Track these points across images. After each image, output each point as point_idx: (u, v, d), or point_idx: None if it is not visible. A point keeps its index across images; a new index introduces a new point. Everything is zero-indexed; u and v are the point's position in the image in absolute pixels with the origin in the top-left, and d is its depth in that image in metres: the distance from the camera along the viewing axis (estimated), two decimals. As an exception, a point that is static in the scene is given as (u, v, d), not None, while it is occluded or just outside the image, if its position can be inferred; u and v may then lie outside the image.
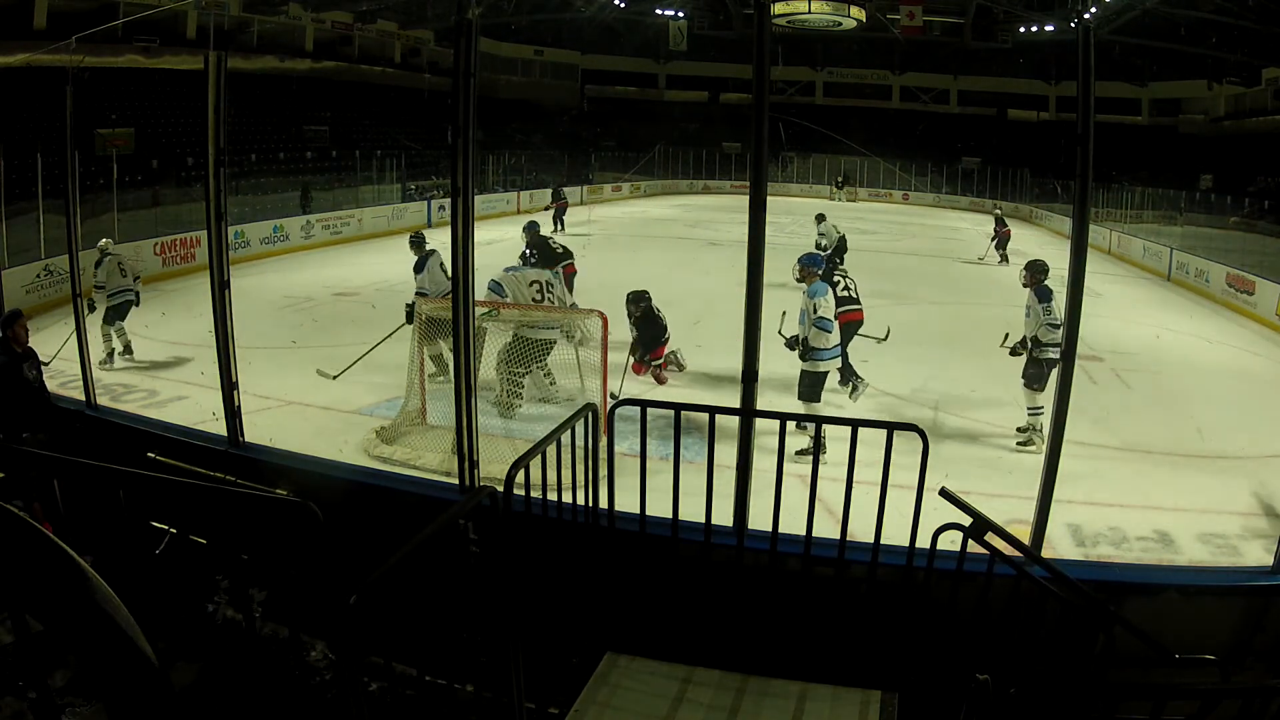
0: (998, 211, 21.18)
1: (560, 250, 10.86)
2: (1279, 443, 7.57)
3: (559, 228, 21.42)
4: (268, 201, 19.75)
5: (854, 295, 8.39)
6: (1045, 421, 6.52)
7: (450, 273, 8.66)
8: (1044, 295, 7.29)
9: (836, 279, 8.28)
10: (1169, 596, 3.64)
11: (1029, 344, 7.29)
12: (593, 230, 21.69)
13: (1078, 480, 6.02)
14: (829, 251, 14.07)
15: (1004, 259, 18.60)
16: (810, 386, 7.00)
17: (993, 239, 19.08)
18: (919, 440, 3.33)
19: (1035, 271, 7.47)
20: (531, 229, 11.26)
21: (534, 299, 7.71)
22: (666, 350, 8.90)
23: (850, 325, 8.23)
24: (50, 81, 9.83)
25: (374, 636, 2.51)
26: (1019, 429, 7.27)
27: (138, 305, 9.58)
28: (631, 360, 8.74)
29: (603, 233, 22.09)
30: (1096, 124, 3.59)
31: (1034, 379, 7.19)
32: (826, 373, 7.09)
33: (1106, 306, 13.74)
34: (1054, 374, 4.19)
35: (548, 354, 7.45)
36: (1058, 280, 5.28)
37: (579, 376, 7.31)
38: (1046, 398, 6.79)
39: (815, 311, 6.91)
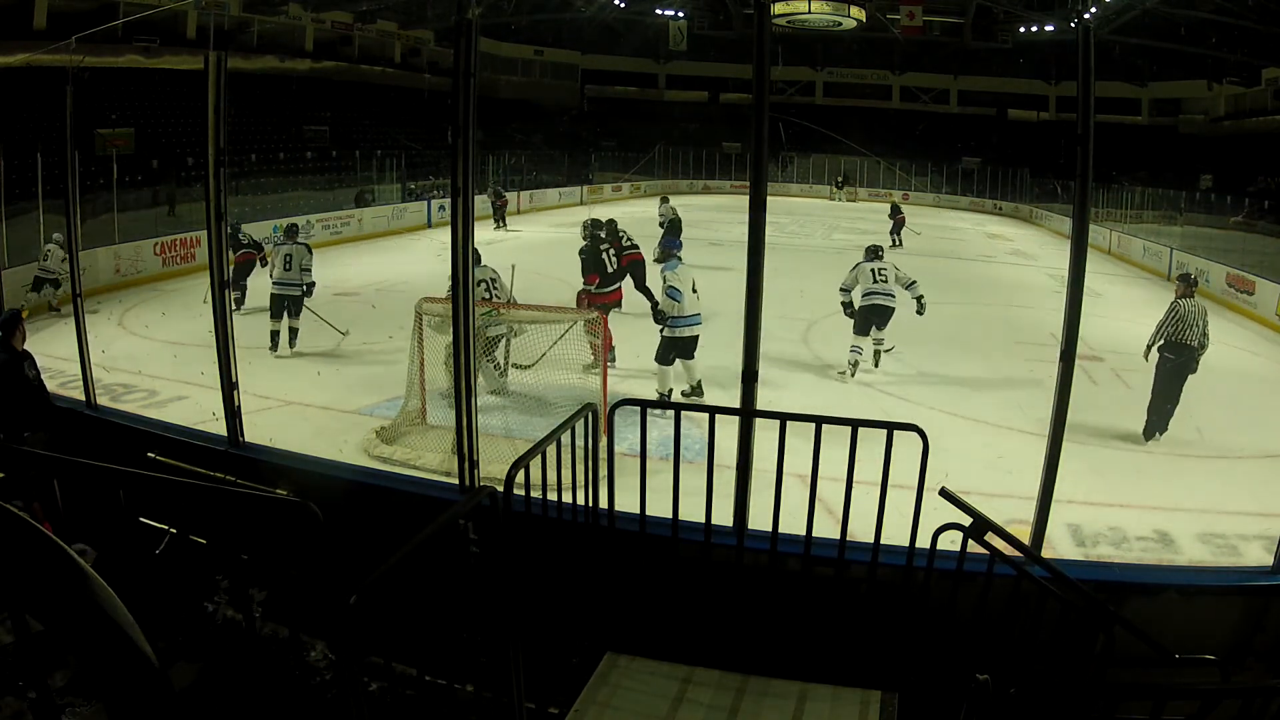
0: (893, 200, 22.95)
1: (248, 242, 12.47)
2: (1279, 443, 7.57)
3: (500, 224, 21.72)
4: (268, 201, 19.74)
5: (633, 242, 10.11)
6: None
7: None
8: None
9: (622, 233, 9.83)
10: (1169, 596, 3.64)
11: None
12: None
13: (1078, 480, 6.02)
14: (665, 228, 15.55)
15: (897, 243, 20.19)
16: (665, 351, 7.80)
17: (892, 227, 20.52)
18: (919, 440, 3.33)
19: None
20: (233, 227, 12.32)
21: (483, 297, 7.94)
22: (608, 301, 9.18)
23: (634, 264, 9.97)
24: (50, 81, 9.82)
25: (374, 636, 2.50)
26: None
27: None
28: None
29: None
30: (1096, 124, 3.58)
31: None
32: (683, 339, 7.73)
33: (1106, 306, 13.73)
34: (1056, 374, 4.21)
35: (495, 349, 7.74)
36: (1058, 280, 5.28)
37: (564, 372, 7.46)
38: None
39: (665, 282, 7.85)
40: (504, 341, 7.85)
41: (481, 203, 23.88)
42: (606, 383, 7.15)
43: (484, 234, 19.75)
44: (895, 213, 21.38)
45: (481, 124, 4.11)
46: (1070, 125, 3.57)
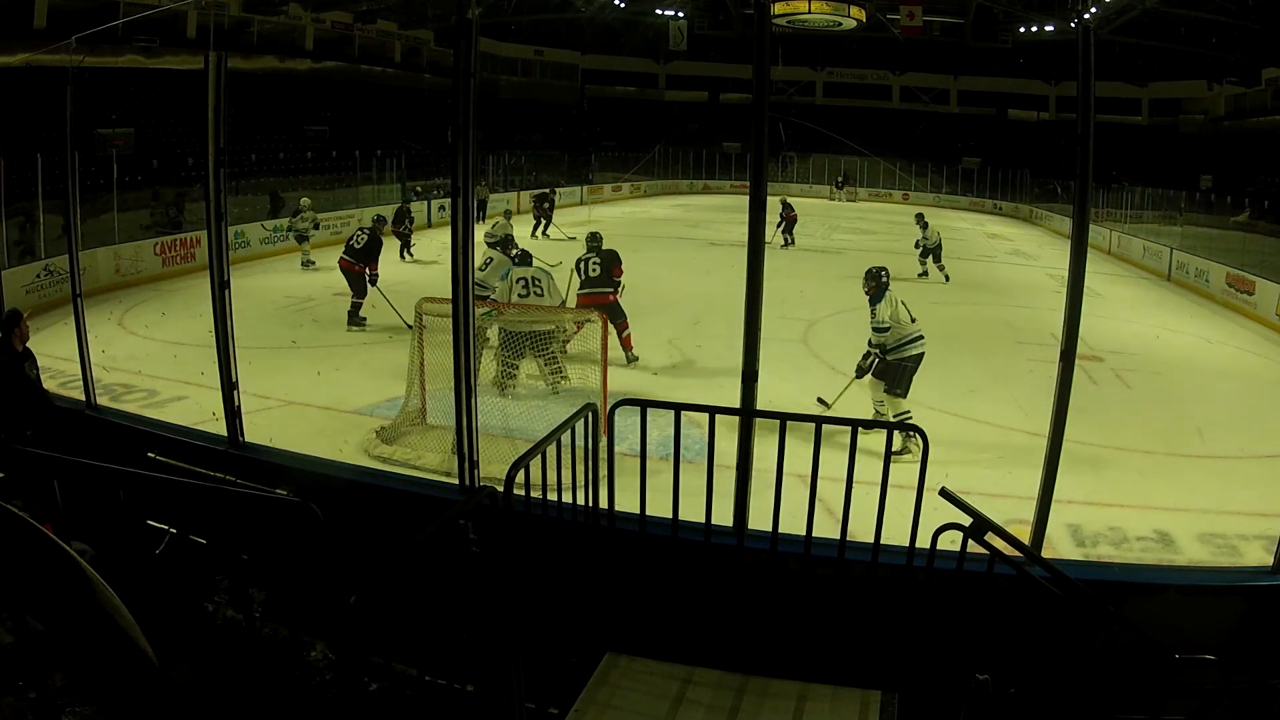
0: (786, 199, 22.24)
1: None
2: (1279, 443, 7.57)
3: (542, 229, 21.31)
4: (268, 201, 19.72)
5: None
6: None
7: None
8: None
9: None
10: (1169, 596, 3.64)
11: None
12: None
13: (1078, 480, 6.02)
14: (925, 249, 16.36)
15: (789, 242, 20.04)
16: None
17: (779, 224, 20.09)
18: (919, 440, 3.32)
19: None
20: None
21: (519, 295, 8.04)
22: (588, 303, 9.16)
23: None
24: (50, 81, 9.83)
25: (374, 636, 2.50)
26: None
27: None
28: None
29: (602, 233, 22.06)
30: (1096, 124, 3.58)
31: None
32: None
33: (1106, 306, 13.74)
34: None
35: (546, 346, 7.67)
36: (1058, 280, 5.28)
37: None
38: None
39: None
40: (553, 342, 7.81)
41: (492, 200, 23.82)
42: (606, 383, 7.15)
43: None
44: (788, 210, 20.47)
45: (481, 124, 4.11)
46: (1070, 125, 3.57)
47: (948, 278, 16.13)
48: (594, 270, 9.35)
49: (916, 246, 16.57)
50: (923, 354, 7.21)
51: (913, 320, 7.22)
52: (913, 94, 40.24)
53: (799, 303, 12.65)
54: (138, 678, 1.71)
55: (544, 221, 21.30)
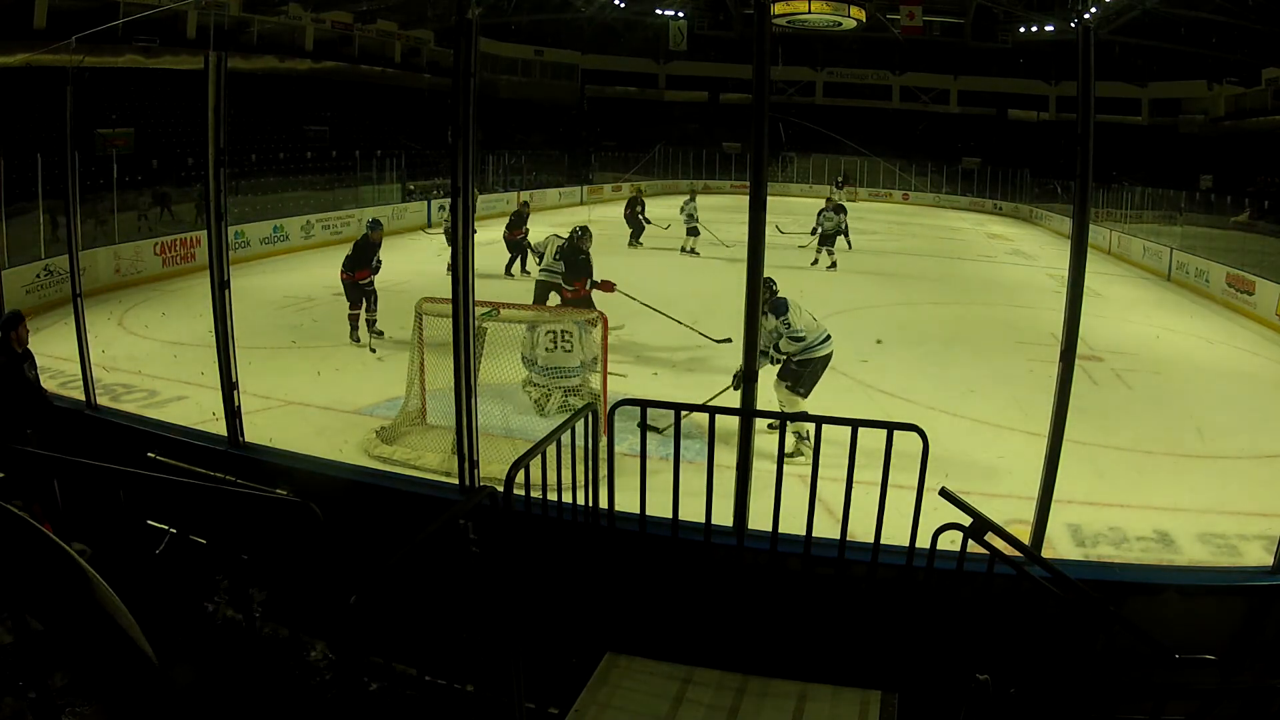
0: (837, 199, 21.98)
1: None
2: (1279, 443, 7.57)
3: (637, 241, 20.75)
4: (268, 201, 19.72)
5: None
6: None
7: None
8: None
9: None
10: (1169, 596, 3.64)
11: None
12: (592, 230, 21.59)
13: (1078, 480, 6.02)
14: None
15: (848, 245, 19.89)
16: None
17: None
18: (919, 440, 3.33)
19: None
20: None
21: (547, 348, 7.58)
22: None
23: None
24: (50, 81, 9.82)
25: (374, 636, 2.51)
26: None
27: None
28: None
29: (602, 233, 22.01)
30: (1096, 124, 3.58)
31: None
32: None
33: (1106, 306, 13.73)
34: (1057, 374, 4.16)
35: (575, 392, 7.46)
36: (1058, 280, 5.27)
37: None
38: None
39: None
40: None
41: (492, 200, 23.81)
42: (606, 383, 7.15)
43: (485, 234, 19.68)
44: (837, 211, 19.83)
45: (481, 124, 4.12)
46: (1070, 125, 3.57)
47: (832, 265, 17.06)
48: (556, 255, 9.39)
49: (814, 232, 17.48)
50: (830, 354, 6.97)
51: (814, 320, 6.98)
52: (913, 94, 40.23)
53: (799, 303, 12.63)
54: (138, 678, 1.72)
55: (638, 229, 20.52)
